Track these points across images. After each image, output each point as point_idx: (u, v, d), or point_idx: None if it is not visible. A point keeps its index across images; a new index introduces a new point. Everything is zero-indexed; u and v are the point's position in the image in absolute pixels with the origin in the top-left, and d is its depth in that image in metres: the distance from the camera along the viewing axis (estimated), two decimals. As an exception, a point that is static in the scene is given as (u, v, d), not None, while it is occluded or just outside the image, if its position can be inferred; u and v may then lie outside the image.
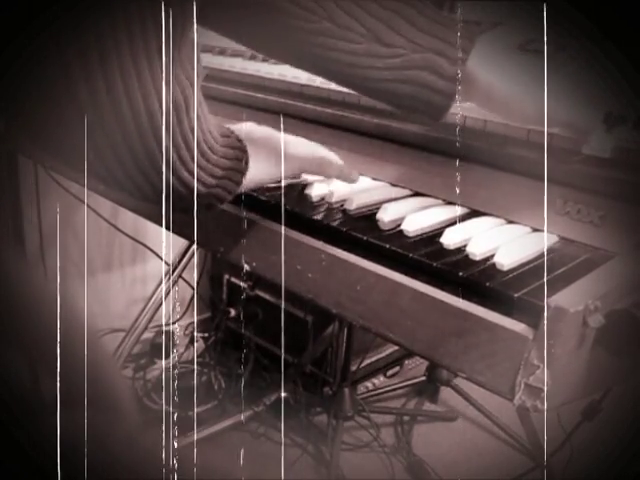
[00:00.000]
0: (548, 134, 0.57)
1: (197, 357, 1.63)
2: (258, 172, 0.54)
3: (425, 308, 0.46)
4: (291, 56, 0.54)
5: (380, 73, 0.48)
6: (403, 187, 0.66)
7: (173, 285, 1.51)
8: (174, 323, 1.66)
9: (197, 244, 0.67)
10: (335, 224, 0.57)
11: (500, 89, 0.47)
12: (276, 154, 0.56)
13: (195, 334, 1.66)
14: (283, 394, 1.47)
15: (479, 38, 0.47)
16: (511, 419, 1.38)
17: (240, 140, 0.52)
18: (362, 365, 1.52)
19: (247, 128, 0.57)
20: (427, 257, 0.51)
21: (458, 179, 0.62)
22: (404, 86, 0.48)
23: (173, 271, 1.36)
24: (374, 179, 0.69)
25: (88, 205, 1.24)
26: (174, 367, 1.60)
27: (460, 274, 0.48)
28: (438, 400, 1.57)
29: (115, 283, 1.59)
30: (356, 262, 0.51)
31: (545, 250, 0.53)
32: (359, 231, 0.56)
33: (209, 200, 0.51)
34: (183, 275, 1.52)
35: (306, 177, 0.65)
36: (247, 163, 0.52)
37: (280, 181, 0.57)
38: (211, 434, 1.36)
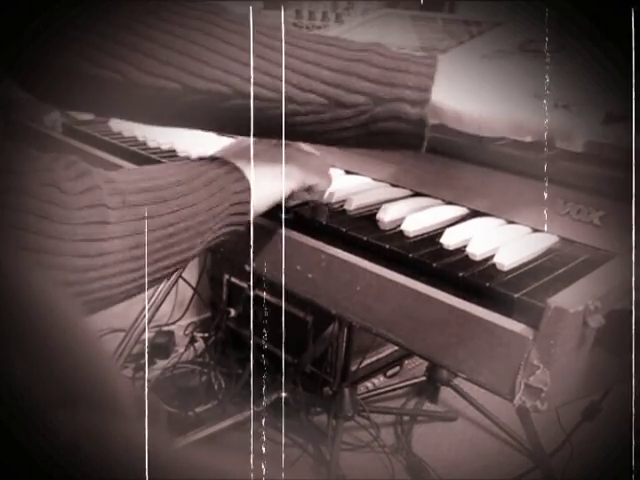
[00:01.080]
0: (549, 134, 0.57)
1: (197, 357, 1.63)
2: (266, 196, 0.53)
3: (425, 308, 0.46)
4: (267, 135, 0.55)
5: (350, 132, 0.49)
6: (403, 187, 0.66)
7: (173, 285, 1.51)
8: (174, 323, 1.66)
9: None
10: (335, 224, 0.57)
11: (468, 111, 0.48)
12: (284, 168, 0.55)
13: (195, 334, 1.66)
14: (283, 394, 1.47)
15: (438, 68, 0.48)
16: (511, 419, 1.38)
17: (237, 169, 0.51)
18: (362, 365, 1.52)
19: (246, 144, 0.56)
20: (427, 257, 0.51)
21: (458, 179, 0.62)
22: (377, 137, 0.50)
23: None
24: (374, 179, 0.69)
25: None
26: (174, 367, 1.60)
27: (460, 274, 0.48)
28: (438, 400, 1.57)
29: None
30: (356, 262, 0.51)
31: (545, 250, 0.53)
32: (359, 231, 0.56)
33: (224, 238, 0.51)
34: (183, 275, 1.53)
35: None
36: (249, 201, 0.51)
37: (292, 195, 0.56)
38: (211, 434, 1.36)
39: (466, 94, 0.48)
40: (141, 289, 0.45)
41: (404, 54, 0.49)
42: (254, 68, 0.47)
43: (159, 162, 0.75)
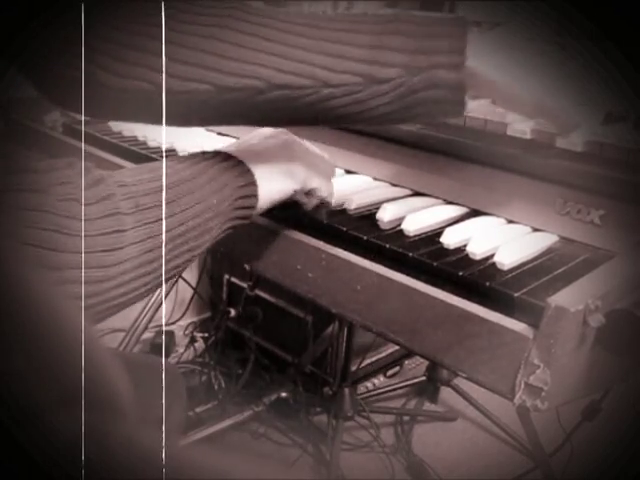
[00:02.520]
0: (549, 134, 0.57)
1: (197, 357, 1.63)
2: (272, 193, 0.53)
3: (425, 307, 0.46)
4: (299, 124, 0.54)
5: (388, 107, 0.48)
6: (403, 187, 0.66)
7: (173, 285, 1.51)
8: (174, 323, 1.66)
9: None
10: (335, 224, 0.57)
11: (502, 81, 0.48)
12: (289, 166, 0.54)
13: (195, 334, 1.66)
14: (283, 394, 1.47)
15: (470, 35, 0.47)
16: (511, 419, 1.38)
17: (247, 169, 0.51)
18: (362, 365, 1.52)
19: (257, 141, 0.56)
20: (427, 256, 0.51)
21: (458, 179, 0.62)
22: (416, 108, 0.49)
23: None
24: (374, 179, 0.69)
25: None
26: (174, 367, 1.60)
27: (460, 274, 0.48)
28: (438, 400, 1.57)
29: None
30: (356, 262, 0.51)
31: (545, 250, 0.53)
32: (359, 231, 0.56)
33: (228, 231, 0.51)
34: (183, 275, 1.52)
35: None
36: (256, 195, 0.51)
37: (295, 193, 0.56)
38: (211, 434, 1.36)
39: (501, 66, 0.47)
40: (153, 290, 0.46)
41: (432, 17, 0.48)
42: (285, 57, 0.46)
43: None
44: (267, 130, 0.58)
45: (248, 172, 0.51)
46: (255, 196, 0.51)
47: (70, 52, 0.45)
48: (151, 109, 0.48)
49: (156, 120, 0.52)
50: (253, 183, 0.51)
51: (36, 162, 0.40)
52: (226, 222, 0.50)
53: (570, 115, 0.50)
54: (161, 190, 0.45)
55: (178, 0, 0.48)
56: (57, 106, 0.52)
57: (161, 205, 0.45)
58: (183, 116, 0.50)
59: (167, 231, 0.45)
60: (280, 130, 0.58)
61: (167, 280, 0.47)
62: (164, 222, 0.44)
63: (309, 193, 0.58)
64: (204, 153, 0.51)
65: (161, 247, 0.44)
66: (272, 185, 0.52)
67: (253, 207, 0.51)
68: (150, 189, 0.45)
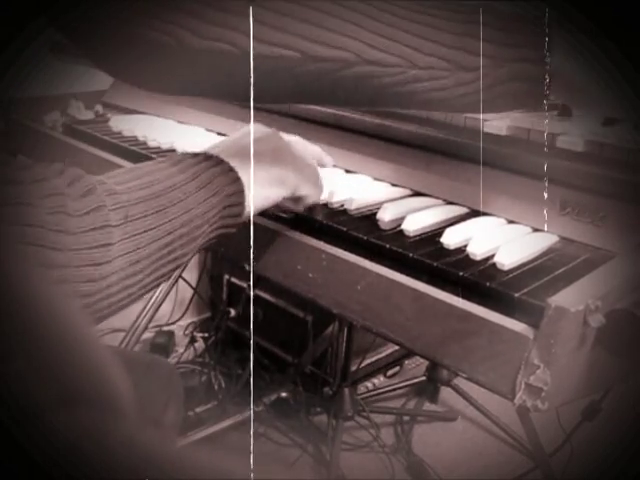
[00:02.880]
0: (549, 134, 0.57)
1: (197, 357, 1.63)
2: (260, 200, 0.52)
3: (425, 308, 0.46)
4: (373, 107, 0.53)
5: (472, 96, 0.48)
6: (403, 187, 0.66)
7: (173, 285, 1.51)
8: (174, 323, 1.66)
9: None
10: (335, 224, 0.57)
11: (580, 80, 0.48)
12: (279, 172, 0.53)
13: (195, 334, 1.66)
14: (283, 394, 1.47)
15: (552, 31, 0.47)
16: (511, 419, 1.38)
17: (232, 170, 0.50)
18: (362, 365, 1.52)
19: (248, 142, 0.54)
20: (427, 257, 0.51)
21: (459, 179, 0.62)
22: (499, 99, 0.49)
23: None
24: (374, 179, 0.69)
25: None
26: (174, 367, 1.60)
27: (460, 274, 0.48)
28: (438, 400, 1.57)
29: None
30: (356, 262, 0.51)
31: (545, 250, 0.53)
32: (359, 231, 0.56)
33: (215, 240, 0.50)
34: (183, 275, 1.52)
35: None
36: (242, 202, 0.50)
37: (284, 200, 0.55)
38: (211, 434, 1.36)
39: (580, 64, 0.48)
40: (134, 301, 0.45)
41: (516, 12, 0.48)
42: (376, 33, 0.45)
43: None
44: (258, 130, 0.56)
45: (237, 180, 0.50)
46: (242, 204, 0.50)
47: (145, 13, 0.41)
48: (231, 78, 0.45)
49: (234, 92, 0.50)
50: (241, 191, 0.50)
51: (22, 172, 0.38)
52: (212, 231, 0.49)
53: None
54: (150, 199, 0.44)
55: None
56: (119, 78, 0.49)
57: (150, 214, 0.44)
58: (266, 88, 0.47)
59: (155, 241, 0.44)
60: (270, 132, 0.57)
61: (153, 288, 0.46)
62: (157, 231, 0.44)
63: (297, 200, 0.57)
64: (195, 155, 0.50)
65: (147, 258, 0.44)
66: (260, 193, 0.51)
67: (240, 215, 0.50)
68: (140, 197, 0.44)
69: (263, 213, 0.55)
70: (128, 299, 0.44)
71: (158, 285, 0.47)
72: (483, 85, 0.47)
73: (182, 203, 0.46)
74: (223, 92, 0.52)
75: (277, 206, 0.55)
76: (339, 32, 0.44)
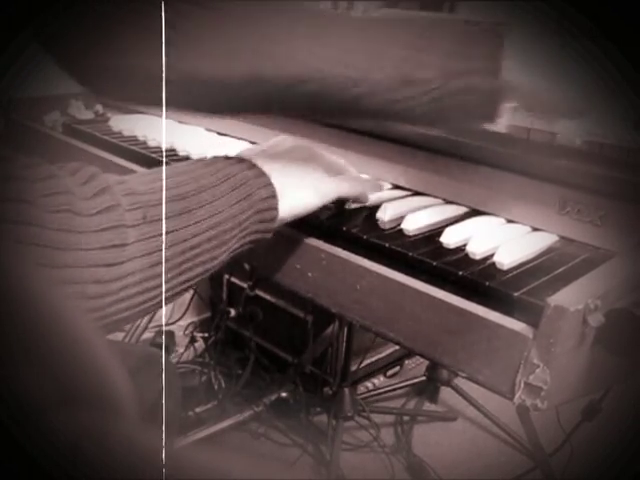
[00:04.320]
0: (548, 134, 0.57)
1: (197, 357, 1.63)
2: (293, 207, 0.52)
3: (425, 307, 0.46)
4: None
5: (422, 108, 0.48)
6: (403, 187, 0.66)
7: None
8: (174, 323, 1.66)
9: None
10: (335, 224, 0.57)
11: (534, 88, 0.47)
12: (313, 180, 0.53)
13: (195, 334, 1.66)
14: (283, 394, 1.47)
15: (506, 41, 0.47)
16: (511, 419, 1.38)
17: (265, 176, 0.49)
18: (362, 365, 1.52)
19: (281, 150, 0.54)
20: (427, 256, 0.51)
21: (459, 179, 0.62)
22: (449, 112, 0.48)
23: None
24: (374, 179, 0.69)
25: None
26: (174, 367, 1.59)
27: (460, 273, 0.48)
28: (438, 400, 1.57)
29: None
30: (356, 261, 0.51)
31: (545, 249, 0.53)
32: (359, 230, 0.56)
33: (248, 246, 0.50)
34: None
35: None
36: (276, 208, 0.50)
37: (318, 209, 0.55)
38: (211, 434, 1.36)
39: (534, 70, 0.48)
40: (159, 305, 0.43)
41: (470, 24, 0.48)
42: (322, 50, 0.46)
43: (159, 161, 0.75)
44: (289, 140, 0.57)
45: (270, 185, 0.49)
46: (275, 209, 0.49)
47: (102, 43, 0.43)
48: (194, 95, 0.46)
49: (180, 105, 0.50)
50: (274, 196, 0.49)
51: (26, 169, 0.37)
52: (245, 236, 0.48)
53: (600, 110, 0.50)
54: (174, 200, 0.43)
55: None
56: (100, 96, 0.50)
57: (173, 216, 0.43)
58: (216, 103, 0.48)
59: (178, 243, 0.43)
60: (303, 142, 0.57)
61: (178, 294, 0.45)
62: (178, 233, 0.42)
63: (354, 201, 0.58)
64: (227, 158, 0.50)
65: (171, 260, 0.42)
66: (294, 199, 0.51)
67: (273, 220, 0.50)
68: (161, 199, 0.43)
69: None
70: (150, 302, 0.42)
71: (187, 289, 0.46)
72: (433, 97, 0.47)
73: (210, 205, 0.45)
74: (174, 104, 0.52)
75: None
76: (291, 50, 0.45)
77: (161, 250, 0.42)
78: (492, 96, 0.47)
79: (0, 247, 0.31)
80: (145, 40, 0.43)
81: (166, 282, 0.43)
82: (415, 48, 0.46)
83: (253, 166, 0.49)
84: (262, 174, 0.49)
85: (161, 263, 0.42)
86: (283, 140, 0.57)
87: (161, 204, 0.42)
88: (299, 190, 0.52)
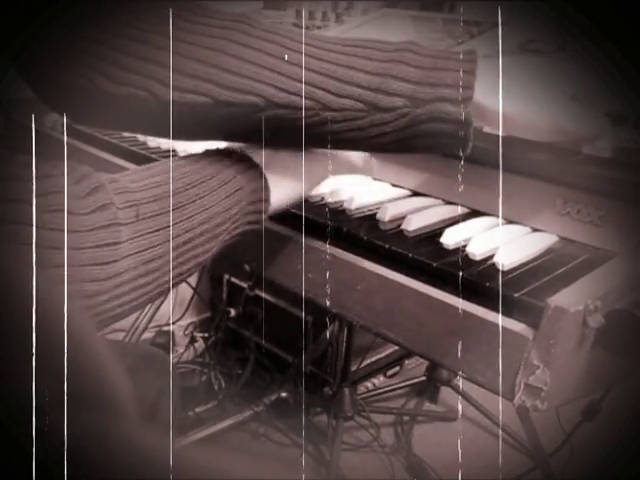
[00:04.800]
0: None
1: (197, 357, 1.63)
2: (285, 196, 0.52)
3: (425, 308, 0.46)
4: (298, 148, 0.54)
5: (390, 136, 0.47)
6: (403, 187, 0.66)
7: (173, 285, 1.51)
8: (174, 323, 1.66)
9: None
10: (335, 224, 0.57)
11: (509, 111, 0.47)
12: (304, 166, 0.53)
13: (195, 334, 1.66)
14: (283, 394, 1.47)
15: (479, 67, 0.46)
16: (511, 419, 1.38)
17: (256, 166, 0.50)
18: (362, 365, 1.52)
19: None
20: (427, 257, 0.51)
21: (459, 179, 0.62)
22: (419, 140, 0.48)
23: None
24: (374, 179, 0.69)
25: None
26: (174, 367, 1.59)
27: (460, 274, 0.48)
28: (438, 400, 1.57)
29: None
30: (356, 262, 0.51)
31: (545, 250, 0.53)
32: (359, 231, 0.56)
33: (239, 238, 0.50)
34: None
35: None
36: (267, 199, 0.50)
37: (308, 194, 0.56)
38: (211, 434, 1.36)
39: (505, 93, 0.46)
40: (153, 300, 0.44)
41: (441, 51, 0.48)
42: (287, 76, 0.45)
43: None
44: None
45: (261, 175, 0.49)
46: (267, 200, 0.50)
47: (68, 56, 0.44)
48: (148, 119, 0.47)
49: (153, 131, 0.51)
50: (266, 187, 0.49)
51: (22, 169, 0.38)
52: (237, 227, 0.48)
53: (590, 126, 0.50)
54: (167, 196, 0.44)
55: (183, 10, 0.46)
56: (54, 111, 0.51)
57: (165, 213, 0.43)
58: (180, 129, 0.48)
59: (172, 239, 0.43)
60: None
61: (173, 286, 0.45)
62: (171, 230, 0.43)
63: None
64: (218, 151, 0.50)
65: (163, 257, 0.43)
66: (285, 188, 0.51)
67: (265, 211, 0.50)
68: (154, 195, 0.43)
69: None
70: (144, 297, 0.43)
71: (180, 282, 0.46)
72: (401, 125, 0.46)
73: (202, 200, 0.45)
74: (144, 129, 0.53)
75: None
76: (249, 77, 0.45)
77: (154, 247, 0.42)
78: (463, 124, 0.46)
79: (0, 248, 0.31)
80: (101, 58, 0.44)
81: (159, 277, 0.43)
82: (383, 74, 0.46)
83: (243, 157, 0.50)
84: (253, 166, 0.49)
85: (154, 260, 0.42)
86: None
87: (153, 201, 0.43)
88: (290, 178, 0.52)
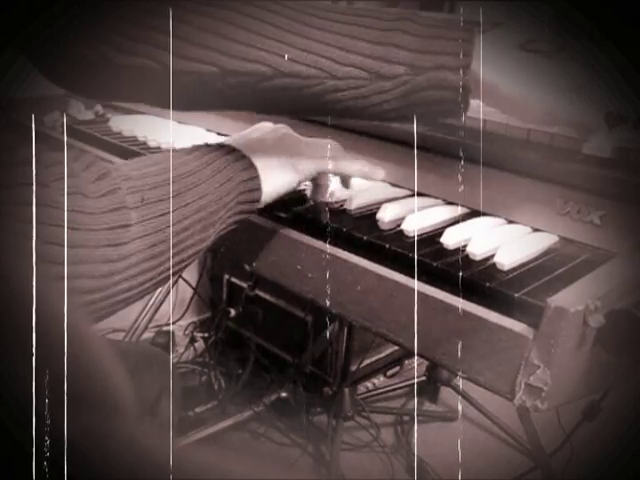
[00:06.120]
0: (548, 134, 0.57)
1: (197, 357, 1.63)
2: (275, 186, 0.53)
3: (425, 308, 0.46)
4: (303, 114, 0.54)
5: (391, 104, 0.48)
6: (403, 187, 0.66)
7: (173, 285, 1.51)
8: (174, 323, 1.66)
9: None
10: (335, 224, 0.57)
11: (504, 87, 0.48)
12: (291, 159, 0.55)
13: (195, 334, 1.66)
14: (283, 394, 1.47)
15: (479, 38, 0.47)
16: (511, 419, 1.38)
17: (246, 157, 0.51)
18: (362, 365, 1.52)
19: (259, 135, 0.56)
20: (427, 257, 0.51)
21: (459, 179, 0.62)
22: (419, 107, 0.49)
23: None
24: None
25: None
26: (174, 367, 1.60)
27: (460, 274, 0.48)
28: (438, 400, 1.57)
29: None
30: (356, 262, 0.51)
31: (545, 250, 0.53)
32: (359, 231, 0.56)
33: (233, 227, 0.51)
34: (183, 275, 1.52)
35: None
36: (258, 188, 0.51)
37: (298, 186, 0.56)
38: (211, 434, 1.36)
39: (505, 71, 0.48)
40: (158, 285, 0.46)
41: (441, 20, 0.48)
42: (292, 46, 0.46)
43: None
44: (267, 125, 0.59)
45: (251, 166, 0.51)
46: (258, 189, 0.51)
47: (73, 29, 0.45)
48: (157, 89, 0.48)
49: (161, 101, 0.51)
50: (257, 177, 0.51)
51: (39, 155, 0.39)
52: (231, 216, 0.50)
53: (588, 119, 0.50)
54: (166, 184, 0.45)
55: None
56: (60, 86, 0.52)
57: (166, 199, 0.45)
58: (188, 99, 0.49)
59: (173, 224, 0.45)
60: (279, 125, 0.58)
61: (172, 275, 0.47)
62: (171, 215, 0.44)
63: (317, 184, 0.59)
64: (208, 145, 0.51)
65: (165, 242, 0.44)
66: (275, 178, 0.53)
67: (257, 201, 0.52)
68: (156, 182, 0.45)
69: (268, 211, 0.56)
70: (149, 283, 0.44)
71: (179, 271, 0.48)
72: (402, 92, 0.47)
73: (197, 188, 0.47)
74: (151, 101, 0.54)
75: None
76: (256, 46, 0.46)
77: (157, 232, 0.44)
78: (461, 91, 0.47)
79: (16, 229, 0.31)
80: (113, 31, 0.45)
81: (163, 263, 0.45)
82: (384, 43, 0.47)
83: (233, 150, 0.51)
84: (242, 157, 0.51)
85: (158, 244, 0.44)
86: (262, 126, 0.59)
87: (156, 187, 0.45)
88: (279, 169, 0.53)
